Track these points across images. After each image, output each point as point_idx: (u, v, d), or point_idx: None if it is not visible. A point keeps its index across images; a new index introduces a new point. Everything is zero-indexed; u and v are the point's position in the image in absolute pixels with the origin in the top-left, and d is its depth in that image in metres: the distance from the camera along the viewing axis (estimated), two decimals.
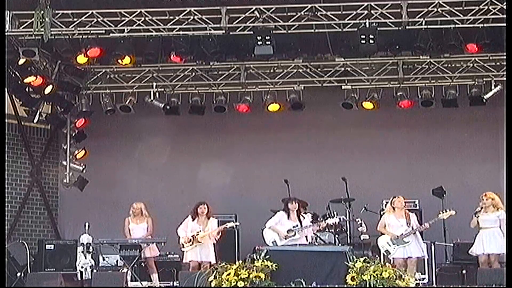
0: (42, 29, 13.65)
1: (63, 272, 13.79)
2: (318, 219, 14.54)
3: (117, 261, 13.87)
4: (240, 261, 12.39)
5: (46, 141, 17.06)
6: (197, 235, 13.37)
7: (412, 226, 12.99)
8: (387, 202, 13.53)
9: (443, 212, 13.24)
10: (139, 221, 14.10)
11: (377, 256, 12.88)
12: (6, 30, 13.86)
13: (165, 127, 17.04)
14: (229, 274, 11.84)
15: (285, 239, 13.24)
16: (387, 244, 13.03)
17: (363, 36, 13.79)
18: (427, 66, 16.08)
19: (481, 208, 13.01)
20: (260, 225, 14.84)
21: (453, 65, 16.02)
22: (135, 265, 13.57)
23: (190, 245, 13.39)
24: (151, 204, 14.38)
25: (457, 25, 13.94)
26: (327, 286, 11.66)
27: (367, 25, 13.83)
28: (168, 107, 16.45)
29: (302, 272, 11.76)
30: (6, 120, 15.72)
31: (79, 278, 13.62)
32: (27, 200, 16.55)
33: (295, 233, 13.25)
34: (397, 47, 15.09)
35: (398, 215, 13.10)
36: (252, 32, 14.06)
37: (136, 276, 13.60)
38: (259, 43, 13.92)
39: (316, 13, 13.98)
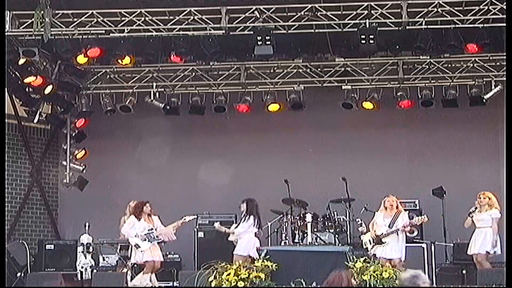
0: (42, 29, 13.64)
1: (63, 272, 13.82)
2: (318, 219, 14.57)
3: (117, 261, 13.87)
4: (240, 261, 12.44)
5: (46, 141, 17.06)
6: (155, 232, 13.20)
7: (397, 226, 12.92)
8: None
9: (418, 217, 13.24)
10: None
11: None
12: (6, 30, 13.87)
13: (165, 127, 17.01)
14: (229, 274, 11.87)
15: None
16: (368, 242, 13.04)
17: (363, 36, 13.78)
18: (427, 66, 16.08)
19: (476, 208, 13.01)
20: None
21: (453, 65, 16.02)
22: (135, 265, 13.56)
23: (147, 244, 13.17)
24: (151, 204, 14.37)
25: (457, 25, 13.93)
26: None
27: (367, 25, 13.82)
28: (168, 107, 16.45)
29: (302, 272, 11.78)
30: (6, 120, 15.72)
31: (79, 278, 13.63)
32: (27, 200, 16.55)
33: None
34: (397, 47, 15.09)
35: (387, 215, 13.05)
36: (252, 32, 14.04)
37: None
38: (259, 43, 13.90)
39: (316, 13, 13.98)
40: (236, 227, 13.44)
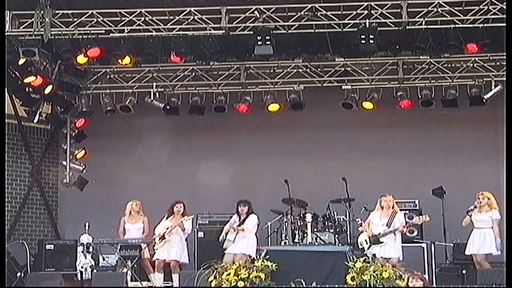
0: (42, 29, 13.67)
1: (63, 272, 13.84)
2: (318, 219, 14.58)
3: (117, 261, 13.88)
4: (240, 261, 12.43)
5: (46, 141, 17.07)
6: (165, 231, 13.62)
7: (394, 226, 12.92)
8: None
9: (419, 217, 13.25)
10: (134, 220, 14.19)
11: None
12: (6, 30, 13.87)
13: (165, 127, 17.03)
14: (229, 274, 11.87)
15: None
16: (364, 241, 13.02)
17: (363, 36, 13.79)
18: (427, 66, 16.07)
19: (475, 207, 13.01)
20: (260, 225, 14.88)
21: (453, 65, 16.02)
22: (135, 265, 13.58)
23: (159, 242, 13.58)
24: (151, 204, 14.40)
25: (457, 25, 13.93)
26: (327, 286, 11.67)
27: (367, 25, 13.82)
28: (168, 107, 16.46)
29: (302, 272, 11.78)
30: (6, 120, 15.72)
31: (79, 278, 13.63)
32: (27, 200, 16.56)
33: None
34: (397, 47, 15.09)
35: (383, 214, 13.06)
36: (252, 32, 14.05)
37: (136, 276, 13.61)
38: (259, 43, 13.91)
39: (316, 13, 13.99)
40: (240, 224, 13.40)
